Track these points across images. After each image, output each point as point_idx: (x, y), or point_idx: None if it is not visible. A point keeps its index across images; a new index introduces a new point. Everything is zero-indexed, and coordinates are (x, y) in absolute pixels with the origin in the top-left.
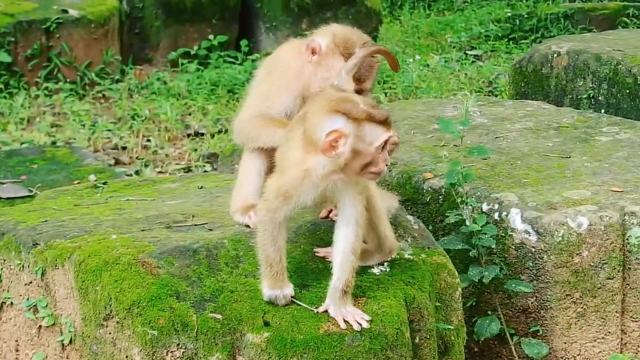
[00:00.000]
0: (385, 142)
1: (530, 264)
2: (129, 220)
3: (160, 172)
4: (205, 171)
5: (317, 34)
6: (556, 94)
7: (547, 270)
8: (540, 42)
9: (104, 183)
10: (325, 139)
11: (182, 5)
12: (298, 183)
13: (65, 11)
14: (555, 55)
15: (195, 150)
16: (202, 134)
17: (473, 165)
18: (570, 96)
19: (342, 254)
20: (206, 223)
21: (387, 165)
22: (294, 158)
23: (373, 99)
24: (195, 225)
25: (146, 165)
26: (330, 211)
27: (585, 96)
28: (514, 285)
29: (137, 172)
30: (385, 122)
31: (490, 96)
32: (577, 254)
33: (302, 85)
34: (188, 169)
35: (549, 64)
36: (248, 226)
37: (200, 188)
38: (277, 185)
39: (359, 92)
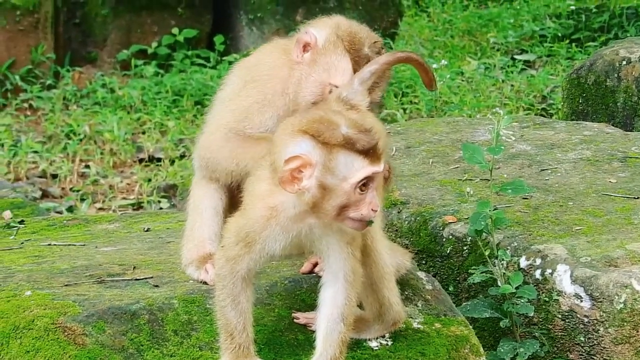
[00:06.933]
0: (368, 179)
1: (582, 338)
2: (49, 271)
3: (101, 208)
4: (161, 208)
5: (313, 25)
6: (624, 114)
7: (604, 348)
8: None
9: (20, 222)
10: (284, 166)
11: None
12: (261, 225)
13: None
14: (624, 62)
15: (149, 180)
16: (159, 160)
17: (509, 207)
18: None
19: (327, 322)
20: (151, 277)
21: (374, 210)
22: (258, 191)
23: (378, 115)
24: (136, 279)
25: (83, 200)
26: (315, 264)
27: None
28: None
29: (70, 209)
30: (369, 153)
31: (543, 116)
32: None
33: (289, 100)
34: (138, 206)
35: (616, 75)
36: (205, 283)
37: (147, 231)
38: (237, 227)
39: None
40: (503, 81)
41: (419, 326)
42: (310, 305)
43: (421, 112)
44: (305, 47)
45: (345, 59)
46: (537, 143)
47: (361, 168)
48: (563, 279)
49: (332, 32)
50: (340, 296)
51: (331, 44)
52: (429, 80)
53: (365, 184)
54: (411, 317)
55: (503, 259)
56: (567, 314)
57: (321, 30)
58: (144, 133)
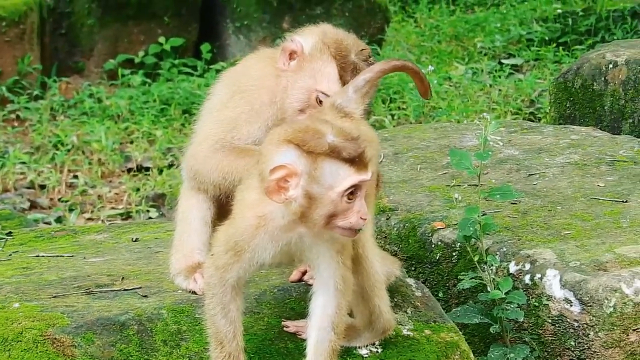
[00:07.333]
0: (355, 187)
1: (572, 343)
2: (37, 283)
3: (89, 218)
4: (150, 218)
5: (299, 33)
6: (611, 118)
7: (595, 352)
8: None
9: (8, 234)
10: (269, 176)
11: None
12: (250, 234)
13: None
14: (610, 66)
15: (137, 190)
16: (147, 169)
17: (498, 212)
18: (631, 120)
19: (318, 331)
20: (139, 288)
21: (363, 219)
22: (247, 200)
23: (366, 122)
24: (125, 290)
25: (71, 210)
26: (304, 272)
27: None
28: None
29: (58, 219)
30: (355, 161)
31: (531, 120)
32: (633, 330)
33: (277, 109)
34: (127, 215)
35: (603, 78)
36: (194, 292)
37: (135, 241)
38: (226, 236)
39: None
40: (491, 86)
41: (409, 333)
42: (300, 313)
43: (409, 118)
44: (292, 54)
45: (332, 66)
46: (525, 148)
47: (347, 176)
48: (552, 283)
49: (318, 40)
50: (331, 305)
51: (317, 51)
52: (425, 89)
53: (352, 192)
54: (401, 324)
55: (492, 265)
56: (557, 318)
57: (307, 38)
58: (132, 142)
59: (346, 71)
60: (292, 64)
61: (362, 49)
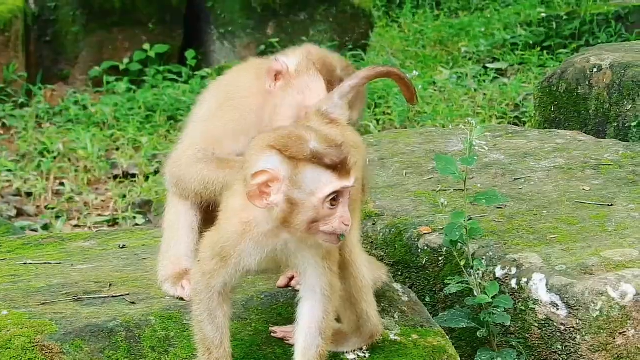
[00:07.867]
0: (337, 193)
1: (559, 346)
2: (25, 290)
3: (76, 225)
4: (136, 224)
5: (283, 54)
6: (596, 122)
7: (582, 355)
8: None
9: None
10: (252, 181)
11: (108, 4)
12: (236, 240)
13: None
14: (595, 70)
15: (124, 196)
16: (133, 176)
17: (483, 217)
18: (615, 124)
19: (305, 336)
20: (127, 294)
21: (346, 225)
22: (233, 206)
23: (357, 130)
24: (113, 296)
25: (58, 217)
26: (291, 278)
27: (635, 124)
28: None
29: (45, 227)
30: (337, 167)
31: (516, 124)
32: (620, 334)
33: (264, 126)
34: (114, 222)
35: (587, 82)
36: (182, 299)
37: (122, 248)
38: (212, 242)
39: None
40: (475, 90)
41: (396, 338)
42: (288, 318)
43: (394, 123)
44: (277, 75)
45: (319, 81)
46: (510, 152)
47: (329, 183)
48: (539, 287)
49: (303, 57)
50: (318, 310)
51: (304, 68)
52: (411, 94)
53: (335, 198)
54: (388, 329)
55: (479, 269)
56: (543, 322)
57: (291, 57)
58: (117, 149)
59: (333, 86)
60: (279, 84)
61: (347, 66)
